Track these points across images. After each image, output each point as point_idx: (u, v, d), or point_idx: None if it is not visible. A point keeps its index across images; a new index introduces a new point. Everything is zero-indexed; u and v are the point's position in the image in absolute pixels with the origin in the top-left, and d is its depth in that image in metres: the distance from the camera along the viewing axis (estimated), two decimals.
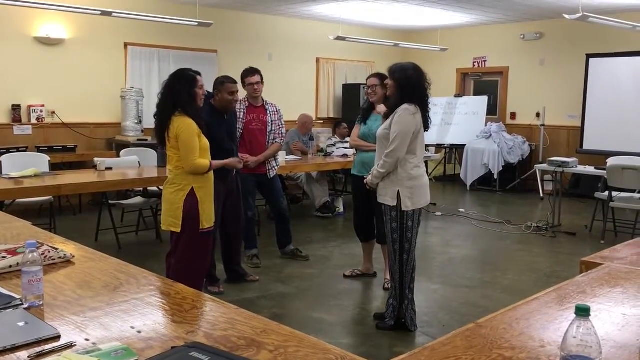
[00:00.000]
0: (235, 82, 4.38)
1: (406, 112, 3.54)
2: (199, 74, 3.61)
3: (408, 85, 3.57)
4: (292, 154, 7.15)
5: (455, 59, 10.98)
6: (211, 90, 4.42)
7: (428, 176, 3.87)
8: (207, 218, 3.60)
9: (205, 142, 3.57)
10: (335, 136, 8.18)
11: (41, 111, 7.56)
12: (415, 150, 3.61)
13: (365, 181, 3.86)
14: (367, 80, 4.54)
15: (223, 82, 4.33)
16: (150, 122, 5.93)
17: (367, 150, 4.45)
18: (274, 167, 5.20)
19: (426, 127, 3.66)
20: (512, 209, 8.23)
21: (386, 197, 3.65)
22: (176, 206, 3.51)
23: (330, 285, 4.75)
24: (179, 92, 3.48)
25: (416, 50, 10.76)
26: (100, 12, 6.68)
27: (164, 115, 3.49)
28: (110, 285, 1.94)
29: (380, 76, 4.34)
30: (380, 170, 3.64)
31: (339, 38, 8.80)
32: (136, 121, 7.88)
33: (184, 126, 3.44)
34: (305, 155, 7.38)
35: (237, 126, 4.79)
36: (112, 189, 5.76)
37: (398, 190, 3.59)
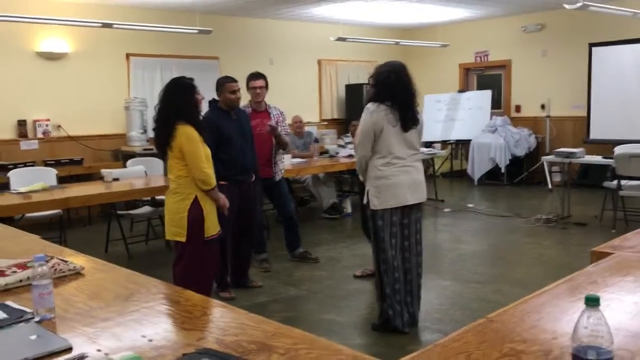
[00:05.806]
0: (235, 81, 4.46)
1: (366, 111, 3.57)
2: (193, 79, 3.62)
3: (378, 84, 3.59)
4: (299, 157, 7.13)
5: (457, 54, 10.95)
6: (212, 96, 4.51)
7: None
8: (212, 225, 3.60)
9: (207, 150, 3.57)
10: (349, 134, 8.10)
11: (47, 125, 7.61)
12: (380, 149, 3.54)
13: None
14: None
15: (223, 83, 4.44)
16: None
17: None
18: (280, 170, 5.21)
19: (405, 126, 3.54)
20: (521, 202, 8.20)
21: (364, 196, 3.69)
22: (180, 215, 3.51)
23: (340, 286, 4.75)
24: (180, 101, 3.48)
25: (418, 47, 10.75)
26: (101, 25, 6.72)
27: (166, 125, 3.47)
28: (120, 295, 1.95)
29: None
30: (357, 169, 3.75)
31: (339, 39, 8.80)
32: (141, 131, 7.92)
33: (188, 135, 3.44)
34: (310, 157, 7.33)
35: None
36: (120, 200, 5.77)
37: (368, 189, 3.62)
